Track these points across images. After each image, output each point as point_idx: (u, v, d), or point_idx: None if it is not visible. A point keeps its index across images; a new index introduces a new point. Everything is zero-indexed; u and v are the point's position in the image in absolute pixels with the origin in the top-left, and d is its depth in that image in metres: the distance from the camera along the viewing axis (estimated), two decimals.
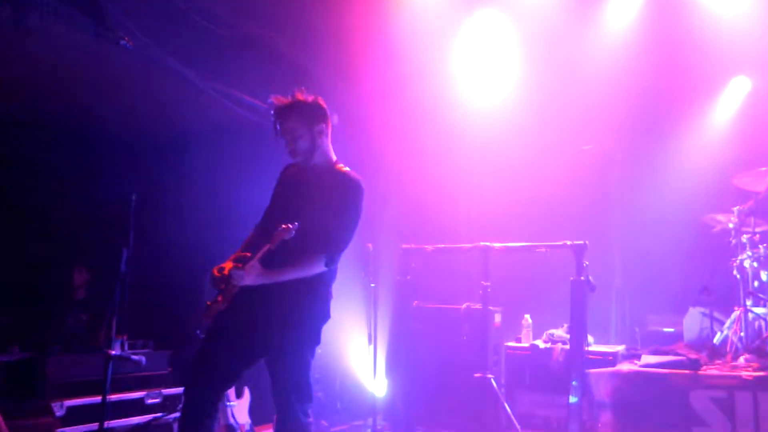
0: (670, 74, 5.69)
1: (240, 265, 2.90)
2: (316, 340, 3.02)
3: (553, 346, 5.13)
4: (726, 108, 6.17)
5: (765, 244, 5.14)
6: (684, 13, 5.47)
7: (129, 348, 4.74)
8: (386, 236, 5.97)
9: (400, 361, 5.44)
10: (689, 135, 6.09)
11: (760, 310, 5.08)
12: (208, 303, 2.94)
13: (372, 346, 5.43)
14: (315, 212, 2.99)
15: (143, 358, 4.05)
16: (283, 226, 2.84)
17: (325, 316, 3.09)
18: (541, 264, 5.31)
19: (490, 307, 5.08)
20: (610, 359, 4.95)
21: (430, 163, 6.27)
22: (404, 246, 5.44)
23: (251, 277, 2.89)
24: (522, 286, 5.80)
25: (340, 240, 3.02)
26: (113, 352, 3.78)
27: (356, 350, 5.92)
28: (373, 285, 5.41)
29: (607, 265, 5.76)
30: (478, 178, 6.40)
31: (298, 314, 2.96)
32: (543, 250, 4.87)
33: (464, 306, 5.32)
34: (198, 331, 3.00)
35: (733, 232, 5.30)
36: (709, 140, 6.06)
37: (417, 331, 5.39)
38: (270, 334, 2.93)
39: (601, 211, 5.88)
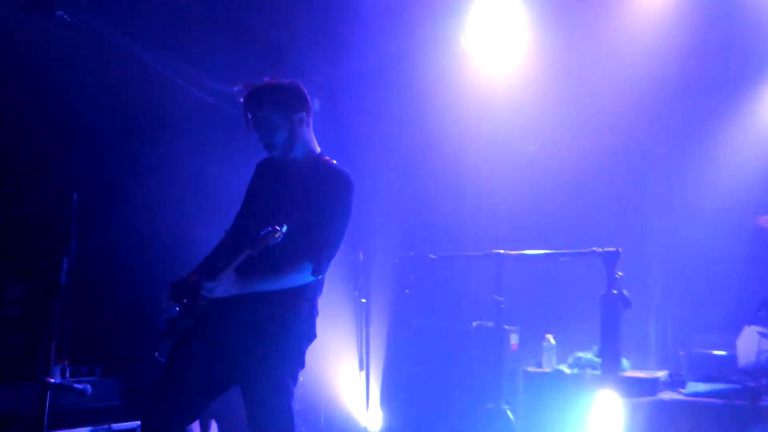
0: (718, 53, 5.65)
1: (210, 273, 2.89)
2: (298, 363, 3.01)
3: (580, 371, 5.12)
4: None
5: None
6: None
7: (71, 375, 4.66)
8: (379, 243, 6.05)
9: (397, 390, 5.53)
10: (742, 124, 5.98)
11: None
12: (169, 320, 2.96)
13: (364, 372, 5.56)
14: (297, 213, 2.98)
15: (89, 387, 4.00)
16: (270, 228, 2.82)
17: (310, 335, 3.08)
18: (565, 275, 5.44)
19: (505, 326, 5.10)
20: (649, 387, 4.91)
21: (430, 156, 6.30)
22: (401, 254, 5.53)
23: (224, 287, 2.86)
24: (542, 302, 5.81)
25: (328, 244, 3.00)
26: (52, 381, 3.77)
27: (345, 377, 5.96)
28: (364, 300, 5.56)
29: (645, 277, 5.71)
30: (489, 174, 6.42)
31: (277, 333, 2.94)
32: (567, 258, 4.91)
33: (474, 324, 5.34)
34: (157, 354, 3.01)
35: None
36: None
37: (418, 354, 5.44)
38: (243, 357, 2.91)
39: (637, 213, 5.84)
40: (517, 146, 6.16)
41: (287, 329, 2.97)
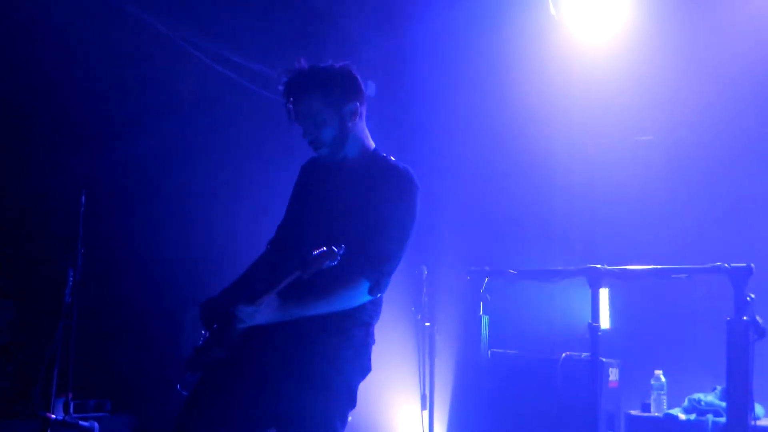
0: None
1: (248, 295, 2.89)
2: (349, 402, 3.02)
3: (699, 418, 5.05)
4: None
5: None
6: None
7: (75, 411, 4.67)
8: (446, 255, 6.14)
9: None
10: None
11: None
12: (196, 349, 2.98)
13: (427, 412, 5.49)
14: (352, 223, 3.02)
15: (96, 425, 4.00)
16: (325, 249, 2.79)
17: (364, 369, 3.09)
18: (679, 297, 5.43)
19: (603, 359, 5.02)
20: None
21: (509, 149, 6.32)
22: (473, 269, 5.45)
23: (265, 314, 2.86)
24: (649, 329, 5.77)
25: (389, 257, 3.01)
26: (53, 417, 3.79)
27: (404, 417, 6.02)
28: (428, 324, 5.50)
29: None
30: (580, 174, 6.36)
31: (326, 370, 2.96)
32: (684, 275, 4.79)
33: (563, 356, 5.31)
34: (179, 387, 3.01)
35: None
36: None
37: (493, 390, 5.41)
38: (283, 395, 2.93)
39: None
40: (621, 136, 6.13)
41: (338, 363, 2.98)
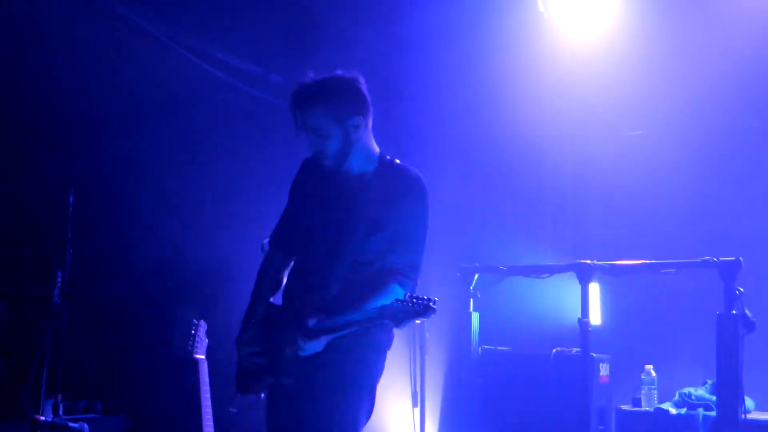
0: None
1: (292, 325, 3.07)
2: (373, 400, 3.16)
3: (690, 412, 5.05)
4: None
5: None
6: None
7: (65, 412, 4.69)
8: (436, 251, 5.94)
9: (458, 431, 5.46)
10: None
11: None
12: (247, 373, 3.17)
13: (418, 409, 5.46)
14: (379, 238, 3.12)
15: (86, 426, 4.02)
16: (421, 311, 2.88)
17: (382, 369, 3.23)
18: (669, 292, 5.41)
19: (593, 354, 5.05)
20: None
21: (499, 144, 6.25)
22: (464, 265, 5.45)
23: (319, 343, 3.04)
24: (640, 324, 5.75)
25: (417, 266, 3.17)
26: (42, 418, 3.87)
27: (396, 414, 5.92)
28: (418, 321, 5.34)
29: None
30: (571, 169, 6.38)
31: (356, 368, 3.11)
32: (673, 270, 4.83)
33: (554, 351, 5.29)
34: (232, 409, 3.23)
35: None
36: None
37: (484, 387, 5.41)
38: (319, 396, 3.08)
39: (764, 216, 5.68)
40: (611, 132, 6.14)
41: (368, 365, 3.14)
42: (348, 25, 5.80)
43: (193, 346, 4.30)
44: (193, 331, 4.32)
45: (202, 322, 4.38)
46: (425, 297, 2.87)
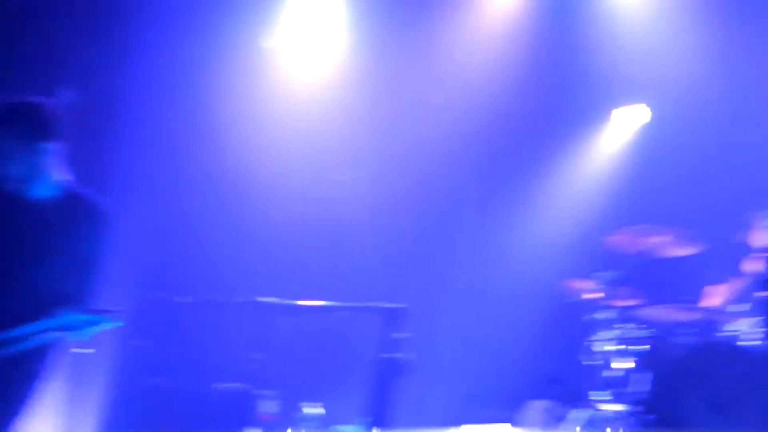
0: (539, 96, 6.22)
1: None
2: None
3: None
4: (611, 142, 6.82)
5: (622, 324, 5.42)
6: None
7: None
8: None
9: None
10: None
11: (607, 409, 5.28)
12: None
13: None
14: (48, 265, 3.05)
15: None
16: None
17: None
18: (339, 332, 5.58)
19: (255, 390, 5.15)
20: None
21: (206, 178, 6.11)
22: (140, 295, 5.32)
23: None
24: (306, 362, 5.85)
25: (87, 293, 3.10)
26: None
27: None
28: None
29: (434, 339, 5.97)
30: (268, 205, 6.23)
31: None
32: (346, 313, 5.15)
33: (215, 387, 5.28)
34: None
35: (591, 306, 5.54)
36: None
37: (144, 422, 5.17)
38: None
39: (438, 269, 6.18)
40: (319, 173, 6.17)
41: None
42: (63, 30, 5.47)
43: None
44: None
45: None
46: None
